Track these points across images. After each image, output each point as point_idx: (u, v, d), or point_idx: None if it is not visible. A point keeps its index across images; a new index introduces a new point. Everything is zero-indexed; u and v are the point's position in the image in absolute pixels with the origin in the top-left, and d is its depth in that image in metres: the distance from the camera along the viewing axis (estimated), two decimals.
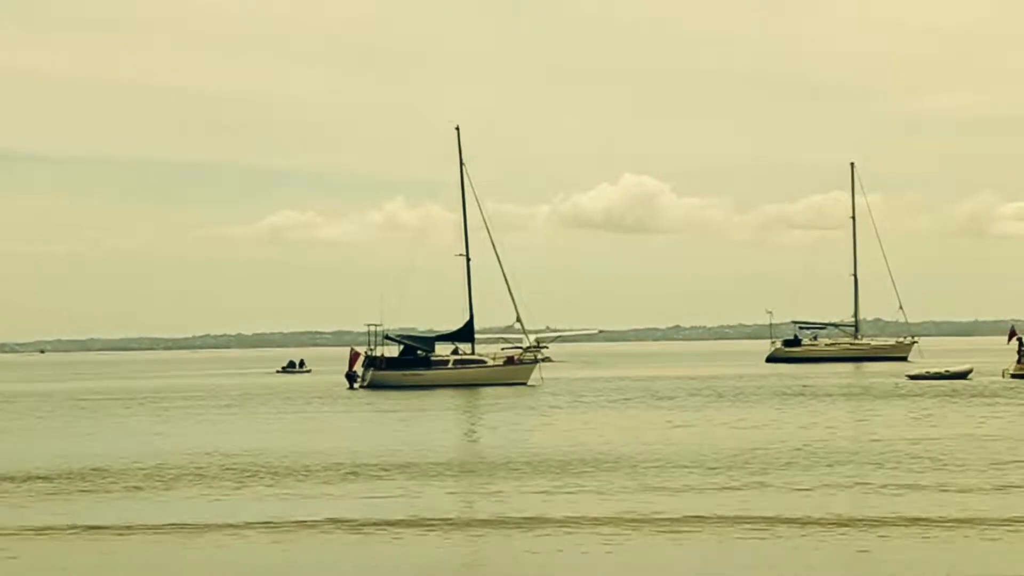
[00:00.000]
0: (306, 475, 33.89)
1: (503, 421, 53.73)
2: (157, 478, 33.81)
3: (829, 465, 33.97)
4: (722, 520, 24.68)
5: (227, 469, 35.65)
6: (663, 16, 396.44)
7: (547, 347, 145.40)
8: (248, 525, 25.13)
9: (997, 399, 61.81)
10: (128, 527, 25.20)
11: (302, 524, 24.94)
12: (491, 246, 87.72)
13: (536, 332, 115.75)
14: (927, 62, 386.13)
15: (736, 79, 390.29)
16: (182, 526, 25.12)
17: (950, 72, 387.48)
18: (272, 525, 24.96)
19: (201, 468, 35.95)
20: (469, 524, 25.06)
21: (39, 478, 34.21)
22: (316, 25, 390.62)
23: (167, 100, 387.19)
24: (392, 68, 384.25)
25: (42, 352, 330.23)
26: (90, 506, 28.87)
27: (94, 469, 36.03)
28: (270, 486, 31.74)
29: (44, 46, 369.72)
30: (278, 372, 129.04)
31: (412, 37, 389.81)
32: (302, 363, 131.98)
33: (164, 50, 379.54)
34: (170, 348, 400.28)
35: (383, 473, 34.01)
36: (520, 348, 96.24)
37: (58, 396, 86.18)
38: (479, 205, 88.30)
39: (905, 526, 23.70)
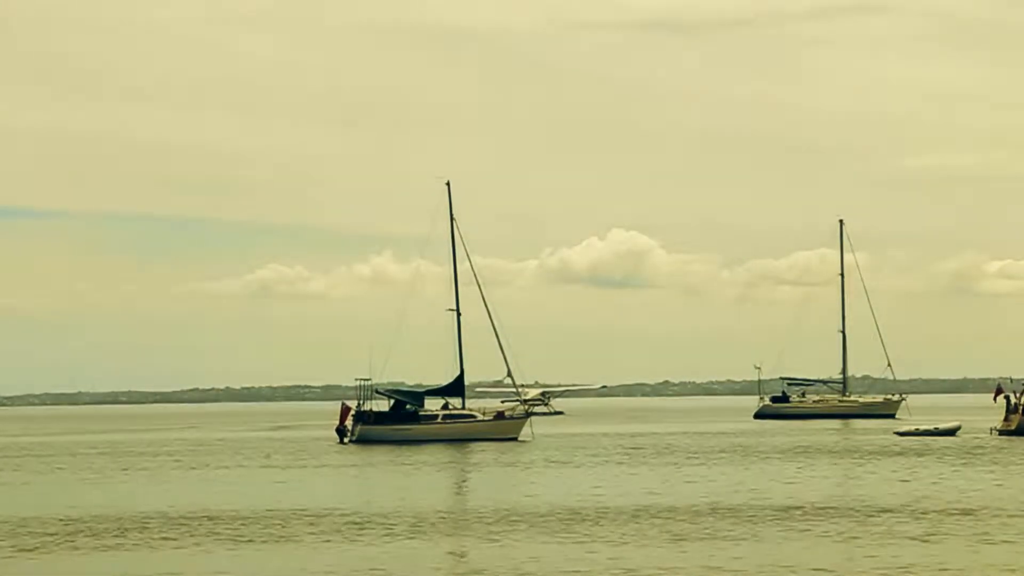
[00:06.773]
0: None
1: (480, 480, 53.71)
2: None
3: None
4: None
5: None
6: (653, 75, 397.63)
7: (548, 398, 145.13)
8: None
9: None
10: None
11: None
12: (480, 301, 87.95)
13: (527, 386, 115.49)
14: (913, 121, 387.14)
15: (725, 137, 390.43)
16: None
17: (936, 131, 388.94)
18: None
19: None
20: None
21: None
22: (302, 80, 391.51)
23: (152, 154, 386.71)
24: (380, 122, 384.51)
25: None
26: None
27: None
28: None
29: (25, 98, 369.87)
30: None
31: (401, 92, 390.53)
32: None
33: (149, 104, 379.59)
34: (158, 402, 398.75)
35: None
36: (518, 402, 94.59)
37: None
38: (469, 259, 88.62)
39: None
